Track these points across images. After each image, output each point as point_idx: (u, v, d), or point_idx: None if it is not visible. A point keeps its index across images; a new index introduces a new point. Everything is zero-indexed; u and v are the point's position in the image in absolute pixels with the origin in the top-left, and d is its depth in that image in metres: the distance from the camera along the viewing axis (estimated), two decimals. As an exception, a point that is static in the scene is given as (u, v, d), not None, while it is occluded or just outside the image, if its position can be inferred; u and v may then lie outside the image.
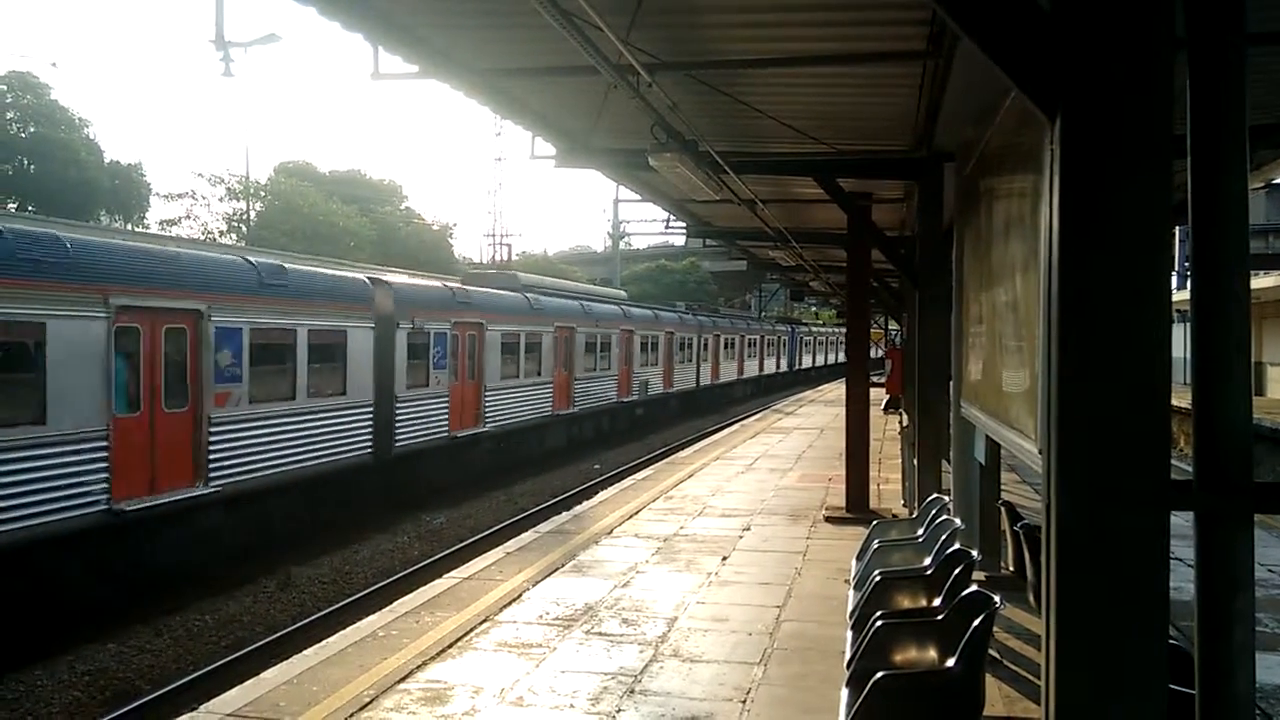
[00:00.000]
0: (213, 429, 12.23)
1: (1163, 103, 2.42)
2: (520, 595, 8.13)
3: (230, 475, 12.50)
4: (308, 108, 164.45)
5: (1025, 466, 11.91)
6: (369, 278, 16.49)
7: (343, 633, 7.27)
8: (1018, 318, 4.46)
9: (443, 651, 6.67)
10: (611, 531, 10.90)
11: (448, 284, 19.79)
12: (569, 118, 8.93)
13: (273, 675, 6.26)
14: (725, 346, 40.83)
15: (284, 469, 13.63)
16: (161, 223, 40.26)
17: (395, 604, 8.04)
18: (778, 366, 52.17)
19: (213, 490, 12.17)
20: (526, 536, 10.77)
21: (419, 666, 6.36)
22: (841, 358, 55.10)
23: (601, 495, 14.04)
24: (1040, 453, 3.04)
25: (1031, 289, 3.83)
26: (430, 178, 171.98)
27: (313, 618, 10.74)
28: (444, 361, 18.27)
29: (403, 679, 6.13)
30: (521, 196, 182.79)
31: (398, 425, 16.65)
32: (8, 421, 9.58)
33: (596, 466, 22.43)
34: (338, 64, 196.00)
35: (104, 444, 10.58)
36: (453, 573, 9.09)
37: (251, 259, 13.68)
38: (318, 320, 14.45)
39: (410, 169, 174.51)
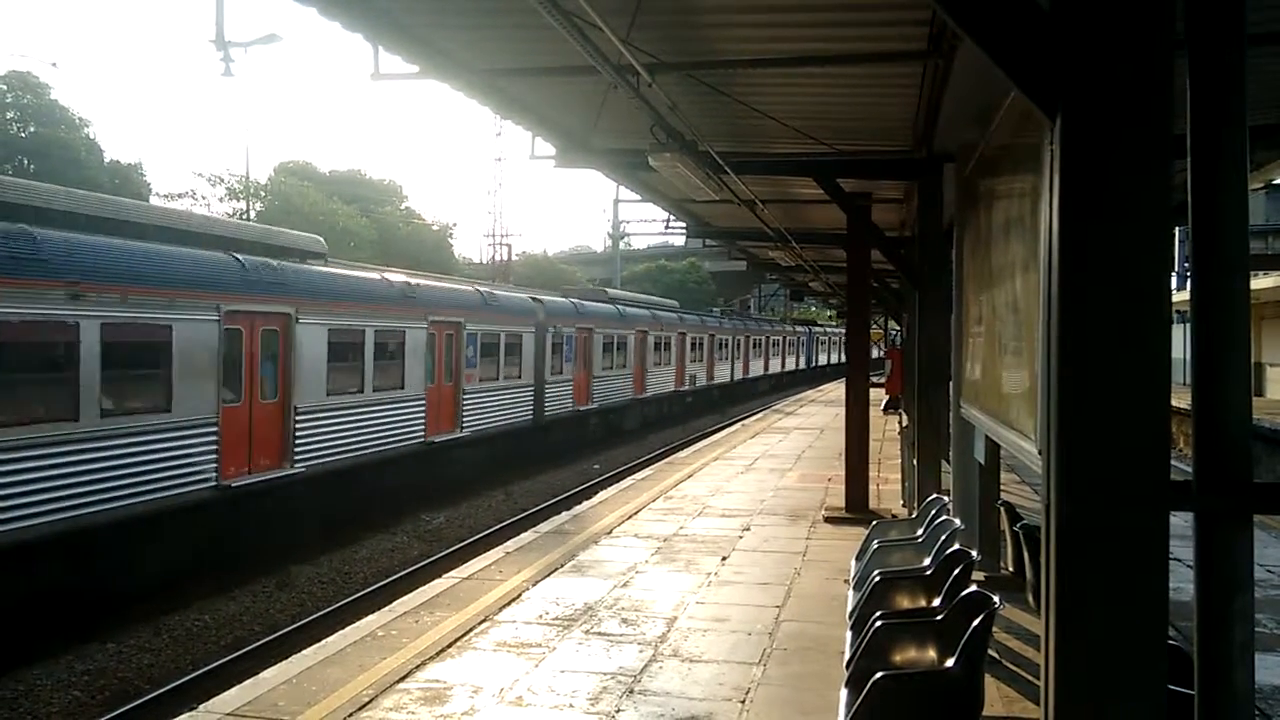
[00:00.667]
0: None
1: (1163, 103, 2.42)
2: (520, 595, 8.13)
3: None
4: (308, 108, 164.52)
5: (1025, 467, 11.89)
6: (532, 297, 23.15)
7: (342, 632, 7.26)
8: (1017, 318, 4.46)
9: (442, 651, 6.66)
10: (611, 531, 10.90)
11: (570, 299, 25.83)
12: (569, 118, 8.94)
13: (272, 675, 6.26)
14: (754, 346, 45.78)
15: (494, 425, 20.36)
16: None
17: (394, 604, 8.03)
18: (797, 364, 57.64)
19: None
20: (526, 536, 10.77)
21: (418, 666, 6.36)
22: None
23: (601, 495, 14.04)
24: (1040, 453, 3.05)
25: (1031, 289, 3.83)
26: (430, 178, 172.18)
27: (312, 617, 10.74)
28: (570, 356, 24.16)
29: (402, 679, 6.13)
30: (521, 196, 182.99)
31: (547, 400, 22.83)
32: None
33: (596, 466, 22.45)
34: (338, 64, 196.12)
35: (422, 402, 15.04)
36: (452, 572, 9.09)
37: (480, 289, 20.77)
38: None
39: (410, 169, 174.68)
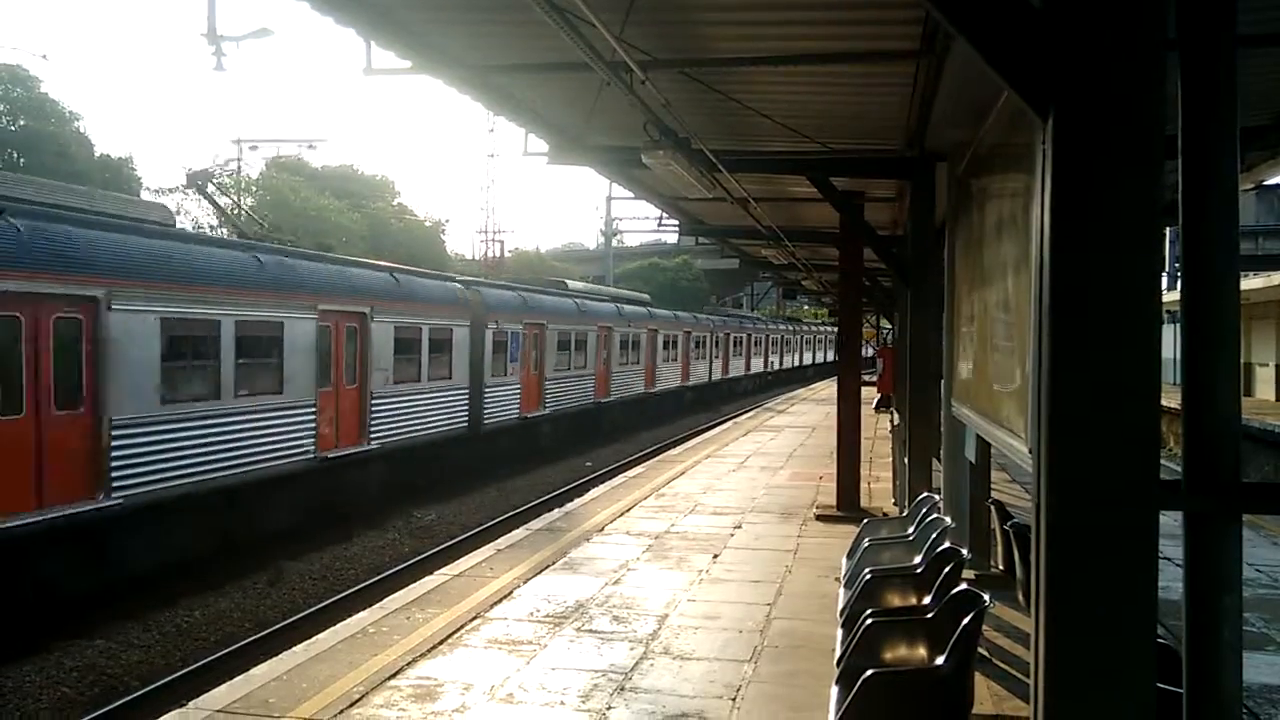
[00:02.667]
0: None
1: (1155, 103, 2.43)
2: (511, 592, 8.12)
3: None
4: (300, 102, 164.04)
5: (1015, 466, 11.91)
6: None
7: (333, 629, 7.25)
8: (1009, 317, 4.45)
9: (433, 648, 6.66)
10: (603, 529, 10.90)
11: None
12: (562, 114, 8.92)
13: (262, 672, 6.25)
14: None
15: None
16: (152, 217, 40.07)
17: (385, 601, 8.02)
18: (826, 358, 63.63)
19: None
20: (518, 533, 10.76)
21: (409, 663, 6.35)
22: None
23: (593, 493, 14.04)
24: (1030, 452, 3.06)
25: (1023, 289, 3.82)
26: (423, 174, 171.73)
27: (302, 614, 10.71)
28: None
29: (392, 676, 6.12)
30: (514, 193, 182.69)
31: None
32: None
33: (588, 464, 22.43)
34: (330, 59, 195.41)
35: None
36: (443, 569, 9.08)
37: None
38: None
39: (403, 165, 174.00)
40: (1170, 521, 2.57)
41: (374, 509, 15.90)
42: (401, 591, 8.37)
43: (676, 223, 16.88)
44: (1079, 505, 2.47)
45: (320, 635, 7.14)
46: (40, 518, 9.85)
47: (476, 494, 18.25)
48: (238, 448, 12.78)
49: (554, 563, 9.21)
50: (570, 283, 30.65)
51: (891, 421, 16.15)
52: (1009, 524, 6.45)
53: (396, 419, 16.90)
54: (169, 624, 10.39)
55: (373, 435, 16.15)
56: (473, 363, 19.74)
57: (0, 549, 9.41)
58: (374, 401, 16.15)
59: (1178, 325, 2.61)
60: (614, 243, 59.45)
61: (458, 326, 19.15)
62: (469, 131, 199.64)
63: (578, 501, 13.22)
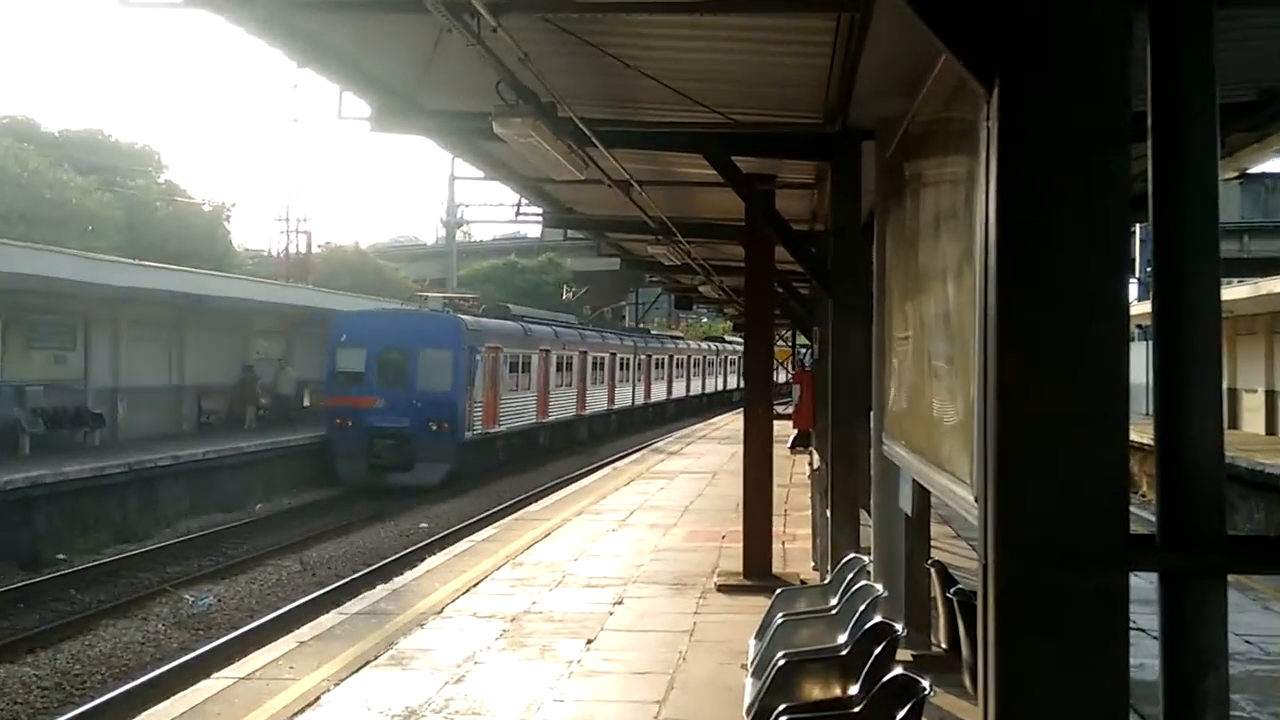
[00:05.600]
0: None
1: (1119, 73, 2.54)
2: (318, 698, 7.91)
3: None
4: (32, 48, 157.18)
5: (960, 517, 12.33)
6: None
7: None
8: (949, 332, 4.63)
9: (211, 776, 6.41)
10: (442, 610, 10.74)
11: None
12: (389, 68, 8.83)
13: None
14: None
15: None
16: None
17: (143, 716, 7.69)
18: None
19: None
20: (328, 619, 10.50)
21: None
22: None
23: (430, 562, 13.85)
24: (976, 500, 3.12)
25: (965, 297, 3.97)
26: (200, 143, 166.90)
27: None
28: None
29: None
30: (326, 171, 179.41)
31: None
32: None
33: (423, 525, 22.11)
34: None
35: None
36: (225, 671, 8.78)
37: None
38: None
39: (172, 131, 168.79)
40: (1143, 583, 2.68)
41: (128, 593, 15.50)
42: (165, 703, 8.06)
43: (540, 212, 16.90)
44: (1035, 565, 2.54)
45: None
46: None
47: (271, 567, 17.73)
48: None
49: (377, 657, 9.02)
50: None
51: (811, 464, 16.50)
52: (953, 590, 6.66)
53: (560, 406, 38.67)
54: None
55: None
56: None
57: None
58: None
59: (1149, 343, 2.72)
60: (460, 237, 59.14)
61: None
62: (263, 88, 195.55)
63: (410, 575, 13.01)
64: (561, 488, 23.56)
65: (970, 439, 3.62)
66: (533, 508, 19.38)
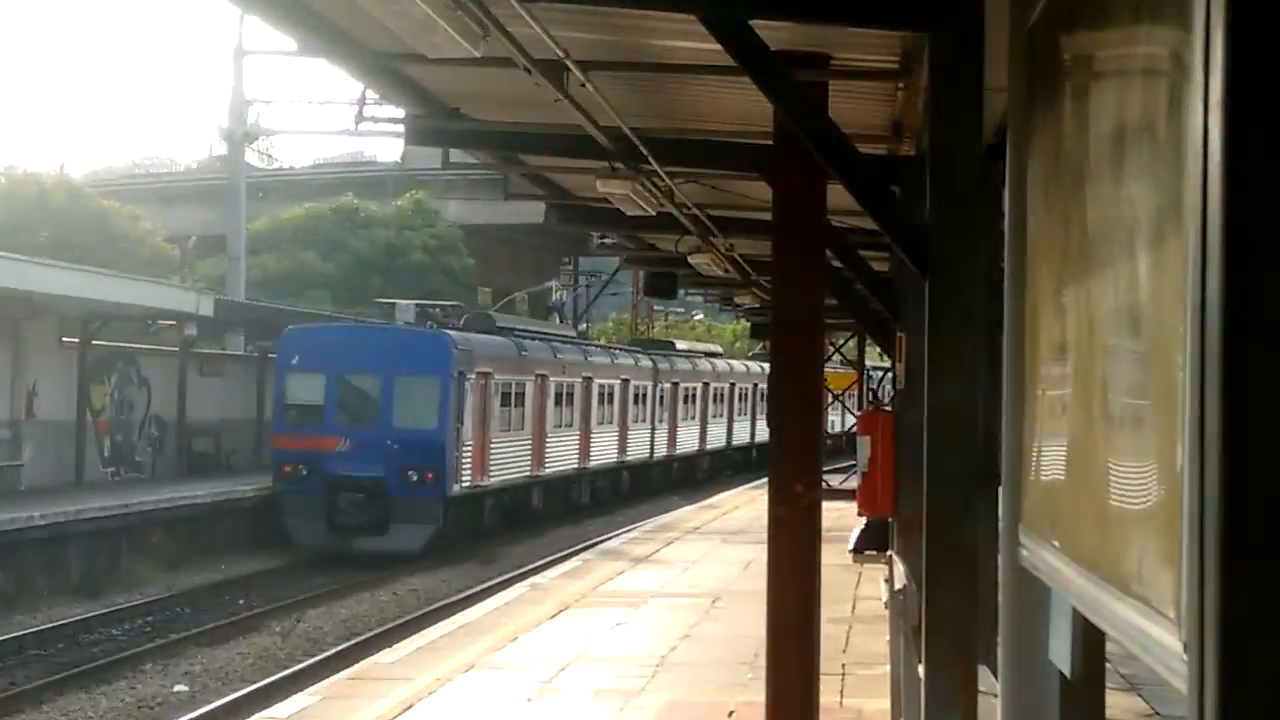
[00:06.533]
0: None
1: None
2: None
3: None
4: None
5: (1158, 681, 7.94)
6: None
7: None
8: (1146, 344, 3.25)
9: None
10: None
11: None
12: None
13: None
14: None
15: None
16: None
17: None
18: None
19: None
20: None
21: None
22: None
23: None
24: (1185, 650, 2.15)
25: (1170, 281, 2.59)
26: None
27: None
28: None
29: None
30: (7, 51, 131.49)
31: None
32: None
33: (179, 687, 16.69)
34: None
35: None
36: None
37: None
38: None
39: None
40: None
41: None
42: None
43: (400, 117, 10.95)
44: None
45: None
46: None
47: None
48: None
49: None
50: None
51: (890, 581, 12.01)
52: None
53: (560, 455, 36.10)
54: None
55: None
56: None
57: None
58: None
59: None
60: (255, 158, 39.50)
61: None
62: None
63: None
64: (441, 622, 16.75)
65: (1175, 537, 2.31)
66: (385, 656, 13.56)
